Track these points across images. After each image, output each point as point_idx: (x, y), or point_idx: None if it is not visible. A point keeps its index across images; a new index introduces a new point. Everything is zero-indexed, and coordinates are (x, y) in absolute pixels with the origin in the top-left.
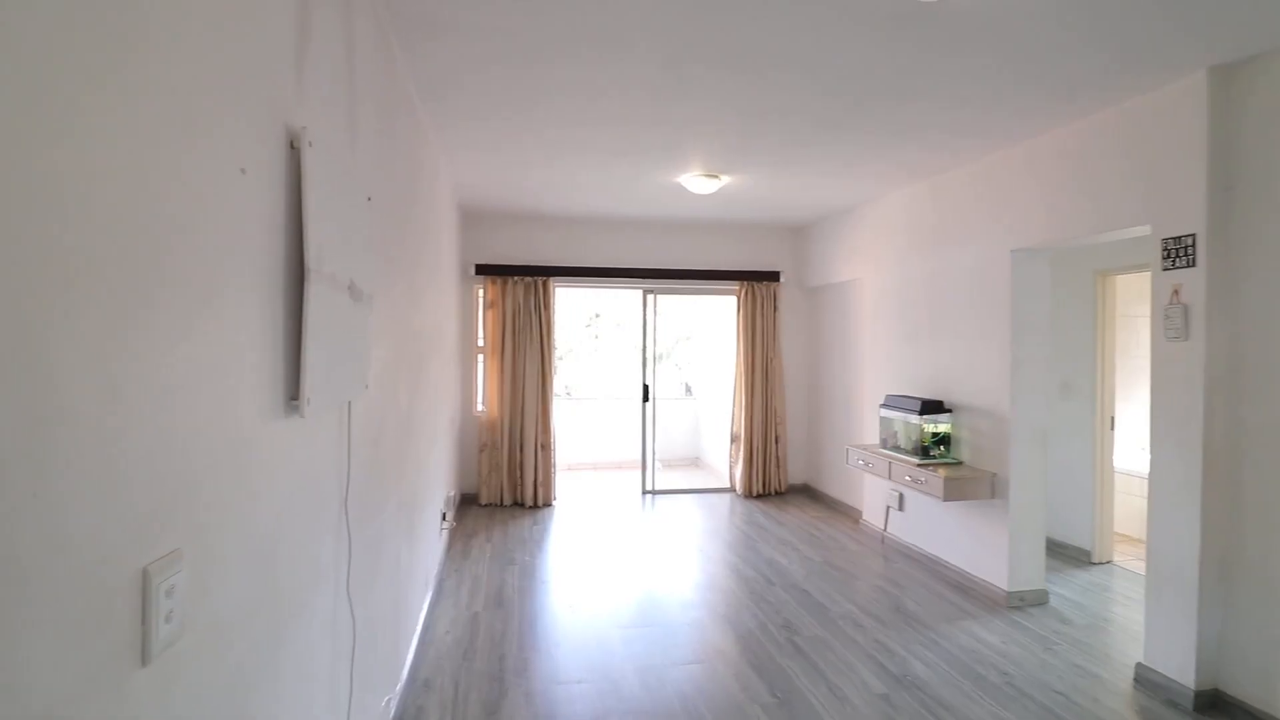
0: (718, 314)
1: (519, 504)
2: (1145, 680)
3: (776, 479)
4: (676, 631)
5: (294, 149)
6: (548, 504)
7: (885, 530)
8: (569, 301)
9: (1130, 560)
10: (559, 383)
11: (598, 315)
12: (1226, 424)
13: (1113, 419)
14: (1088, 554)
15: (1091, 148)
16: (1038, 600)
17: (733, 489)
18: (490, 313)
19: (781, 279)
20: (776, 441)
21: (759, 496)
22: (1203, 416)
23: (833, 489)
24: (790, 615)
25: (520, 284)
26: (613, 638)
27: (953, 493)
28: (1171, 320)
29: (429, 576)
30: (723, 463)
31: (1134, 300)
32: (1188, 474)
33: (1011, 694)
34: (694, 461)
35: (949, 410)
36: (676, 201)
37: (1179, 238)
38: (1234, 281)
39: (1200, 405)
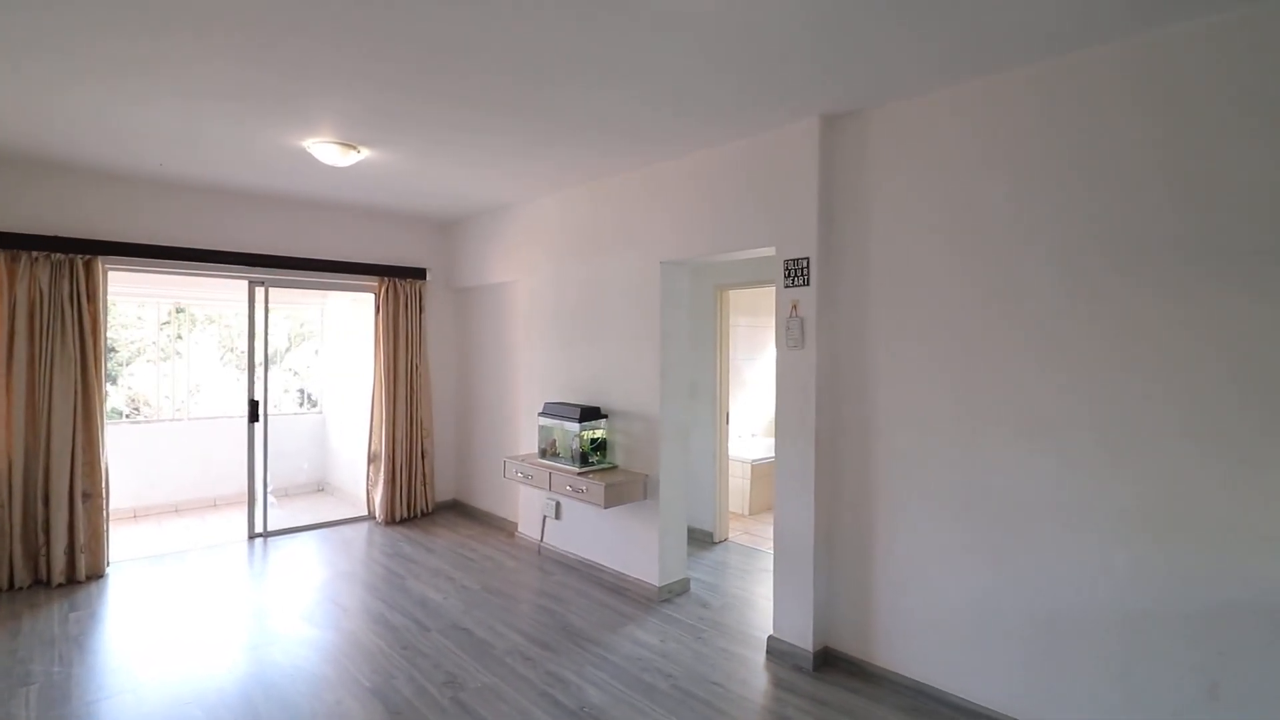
0: (353, 311)
1: (44, 582)
2: (776, 650)
3: (424, 499)
4: None
5: None
6: (97, 576)
7: (542, 541)
8: (136, 290)
9: (740, 535)
10: (120, 400)
11: (180, 310)
12: (831, 420)
13: (728, 415)
14: (711, 535)
15: (732, 171)
16: (682, 589)
17: (372, 516)
18: None
19: (428, 277)
20: (423, 457)
21: (404, 521)
22: (815, 414)
23: (485, 502)
24: (452, 665)
25: (46, 263)
26: None
27: (613, 499)
28: (791, 331)
29: None
30: (359, 486)
31: (734, 312)
32: (804, 463)
33: (679, 697)
34: (321, 488)
35: (605, 416)
36: (305, 174)
37: (797, 260)
38: (834, 299)
39: (813, 404)
